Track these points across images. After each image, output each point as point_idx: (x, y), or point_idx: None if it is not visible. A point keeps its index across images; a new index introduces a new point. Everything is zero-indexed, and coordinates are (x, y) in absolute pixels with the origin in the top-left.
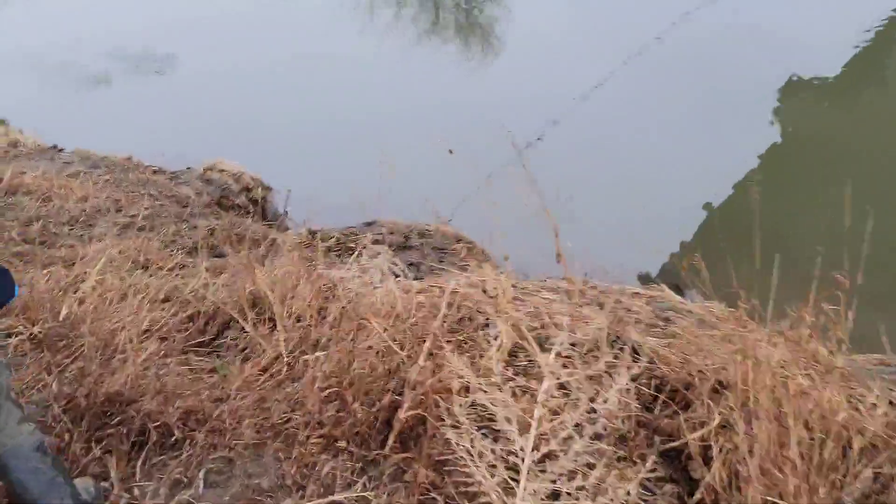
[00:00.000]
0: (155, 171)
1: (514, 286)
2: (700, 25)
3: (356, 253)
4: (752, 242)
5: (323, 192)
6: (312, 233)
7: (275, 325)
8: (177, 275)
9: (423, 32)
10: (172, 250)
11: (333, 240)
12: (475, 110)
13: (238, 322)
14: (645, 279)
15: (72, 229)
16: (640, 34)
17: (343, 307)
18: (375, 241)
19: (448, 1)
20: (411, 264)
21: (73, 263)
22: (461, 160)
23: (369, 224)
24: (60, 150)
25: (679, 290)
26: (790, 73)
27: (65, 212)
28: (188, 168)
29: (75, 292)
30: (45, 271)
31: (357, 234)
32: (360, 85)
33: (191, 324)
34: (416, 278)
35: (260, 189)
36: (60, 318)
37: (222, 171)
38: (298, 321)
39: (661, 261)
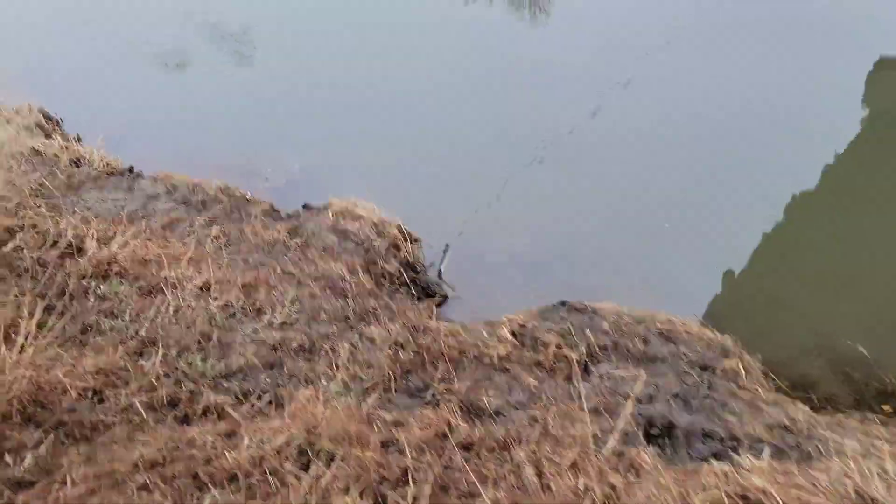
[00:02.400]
0: (267, 212)
1: None
2: None
3: (580, 371)
4: None
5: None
6: (516, 334)
7: None
8: None
9: None
10: (363, 403)
11: (553, 348)
12: None
13: None
14: None
15: (204, 359)
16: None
17: None
18: (602, 348)
19: None
20: (676, 396)
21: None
22: None
23: (566, 305)
24: (138, 175)
25: None
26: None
27: (184, 318)
28: (305, 207)
29: None
30: None
31: (570, 332)
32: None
33: None
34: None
35: (409, 244)
36: None
37: (358, 217)
38: None
39: None
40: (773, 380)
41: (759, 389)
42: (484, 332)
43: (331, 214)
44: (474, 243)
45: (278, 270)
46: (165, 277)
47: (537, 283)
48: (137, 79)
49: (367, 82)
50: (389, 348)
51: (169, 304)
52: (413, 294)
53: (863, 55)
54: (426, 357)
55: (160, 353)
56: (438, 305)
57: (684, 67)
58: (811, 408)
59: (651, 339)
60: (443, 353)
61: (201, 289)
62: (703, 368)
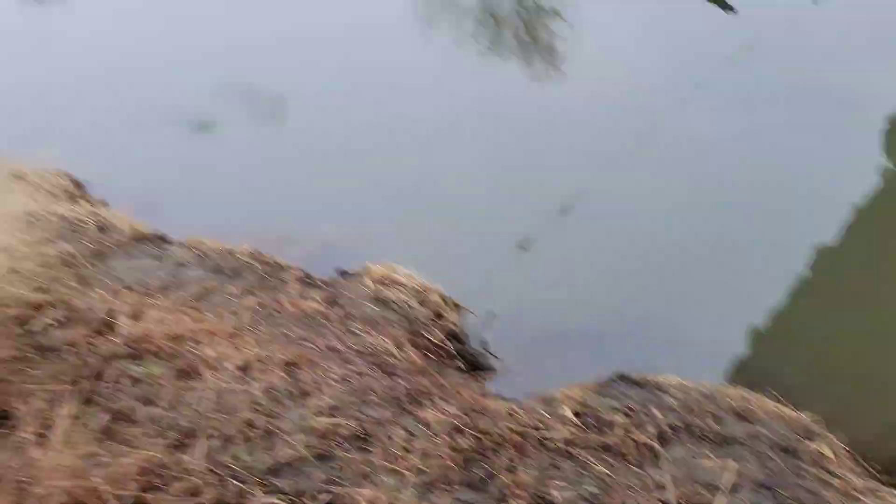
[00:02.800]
0: (301, 280)
1: None
2: None
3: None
4: None
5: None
6: (579, 414)
7: None
8: None
9: None
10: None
11: (620, 430)
12: None
13: None
14: None
15: (250, 451)
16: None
17: None
18: (672, 428)
19: None
20: (762, 486)
21: None
22: None
23: (625, 379)
24: (167, 242)
25: None
26: None
27: (227, 407)
28: (341, 274)
29: None
30: None
31: (632, 409)
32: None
33: None
34: None
35: (452, 312)
36: None
37: (398, 284)
38: None
39: None
40: (862, 464)
41: (851, 475)
42: (543, 411)
43: (369, 281)
44: (514, 308)
45: (321, 346)
46: (203, 356)
47: (585, 351)
48: (165, 142)
49: (394, 143)
50: (447, 434)
51: (208, 388)
52: (461, 367)
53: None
54: (487, 443)
55: (203, 445)
56: (485, 379)
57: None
58: None
59: (724, 419)
60: (505, 439)
61: (242, 368)
62: (786, 452)
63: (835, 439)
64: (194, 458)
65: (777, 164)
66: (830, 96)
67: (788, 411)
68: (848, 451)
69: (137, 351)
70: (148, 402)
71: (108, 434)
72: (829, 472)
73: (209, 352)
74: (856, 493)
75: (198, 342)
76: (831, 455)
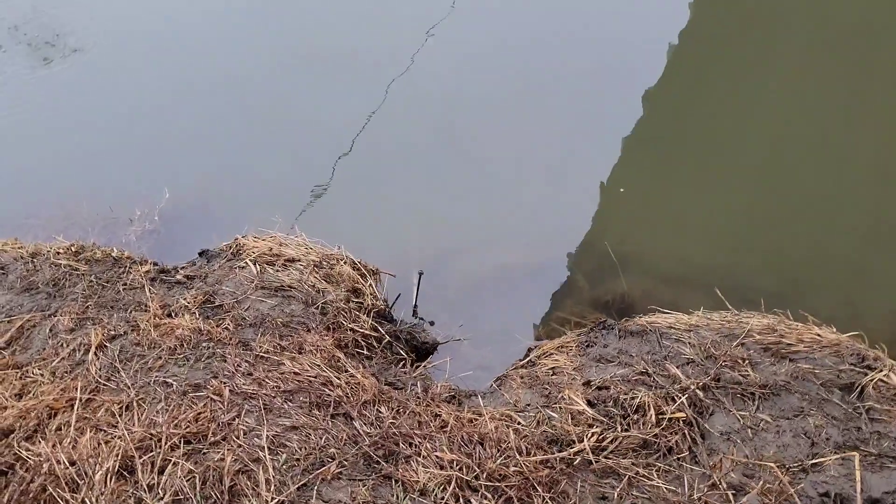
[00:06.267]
0: (154, 277)
1: None
2: None
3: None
4: None
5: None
6: (593, 404)
7: None
8: None
9: None
10: None
11: (652, 413)
12: None
13: None
14: None
15: None
16: None
17: None
18: (704, 390)
19: None
20: (839, 446)
21: None
22: None
23: (613, 328)
24: None
25: None
26: None
27: None
28: (204, 256)
29: None
30: None
31: (647, 374)
32: None
33: None
34: None
35: (369, 282)
36: None
37: (292, 260)
38: None
39: None
40: None
41: None
42: (551, 413)
43: (249, 262)
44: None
45: (225, 395)
46: (49, 466)
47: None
48: None
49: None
50: (453, 496)
51: None
52: (400, 355)
53: None
54: (506, 490)
55: None
56: (427, 356)
57: None
58: None
59: (758, 361)
60: (529, 480)
61: (121, 473)
62: (846, 390)
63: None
64: None
65: None
66: None
67: (829, 334)
68: None
69: None
70: None
71: None
72: None
73: (54, 450)
74: None
75: (30, 436)
76: None
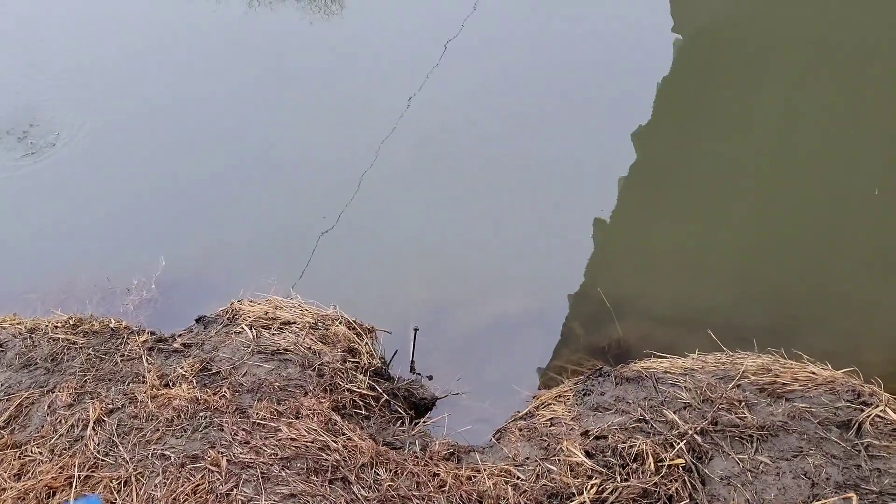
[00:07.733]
0: (151, 347)
1: None
2: None
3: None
4: None
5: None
6: (591, 455)
7: None
8: None
9: None
10: None
11: (651, 461)
12: None
13: None
14: None
15: None
16: None
17: None
18: (702, 434)
19: None
20: (840, 486)
21: None
22: None
23: (609, 376)
24: None
25: None
26: None
27: None
28: (201, 322)
29: None
30: None
31: (645, 420)
32: None
33: None
34: None
35: (364, 339)
36: None
37: (287, 323)
38: None
39: None
40: None
41: None
42: (549, 466)
43: (245, 327)
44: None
45: (223, 466)
46: None
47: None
48: None
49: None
50: None
51: None
52: (399, 412)
53: None
54: None
55: None
56: (426, 411)
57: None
58: None
59: (753, 401)
60: None
61: None
62: (844, 427)
63: (890, 397)
64: None
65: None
66: None
67: (823, 372)
68: None
69: None
70: None
71: None
72: None
73: None
74: None
75: None
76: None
